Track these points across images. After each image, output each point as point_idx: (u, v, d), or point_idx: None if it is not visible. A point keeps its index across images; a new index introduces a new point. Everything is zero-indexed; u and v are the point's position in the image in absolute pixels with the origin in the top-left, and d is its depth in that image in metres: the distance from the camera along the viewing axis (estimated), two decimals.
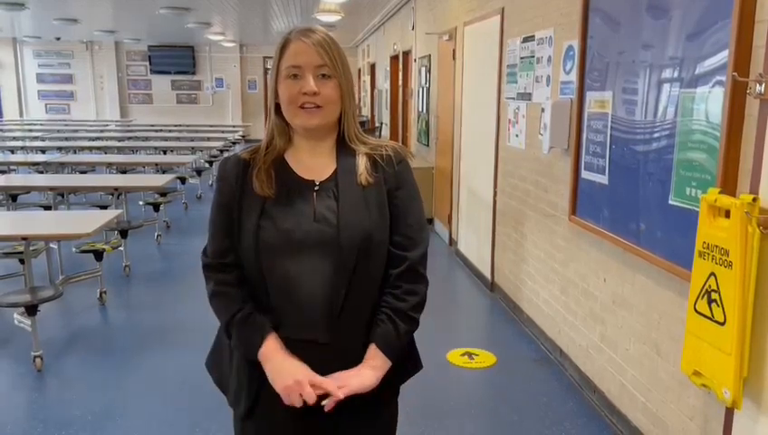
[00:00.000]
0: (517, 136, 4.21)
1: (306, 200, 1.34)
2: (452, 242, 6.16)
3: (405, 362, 1.46)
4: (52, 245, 4.89)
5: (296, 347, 1.32)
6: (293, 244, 1.30)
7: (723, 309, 1.90)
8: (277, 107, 1.37)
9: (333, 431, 1.38)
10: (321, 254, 1.30)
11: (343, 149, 1.39)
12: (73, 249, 4.60)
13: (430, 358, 3.65)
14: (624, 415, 2.79)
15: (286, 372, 1.30)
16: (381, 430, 1.47)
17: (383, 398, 1.40)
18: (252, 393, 1.36)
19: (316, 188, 1.36)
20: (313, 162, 1.38)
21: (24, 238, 3.55)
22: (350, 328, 1.34)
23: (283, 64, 1.32)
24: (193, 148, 9.83)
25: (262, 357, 1.32)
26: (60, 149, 9.32)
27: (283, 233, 1.30)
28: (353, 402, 1.31)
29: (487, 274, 4.91)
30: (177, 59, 17.02)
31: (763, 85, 1.80)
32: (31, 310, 3.34)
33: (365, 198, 1.34)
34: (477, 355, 3.65)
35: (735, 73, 1.93)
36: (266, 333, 1.32)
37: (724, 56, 2.03)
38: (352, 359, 1.34)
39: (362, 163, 1.36)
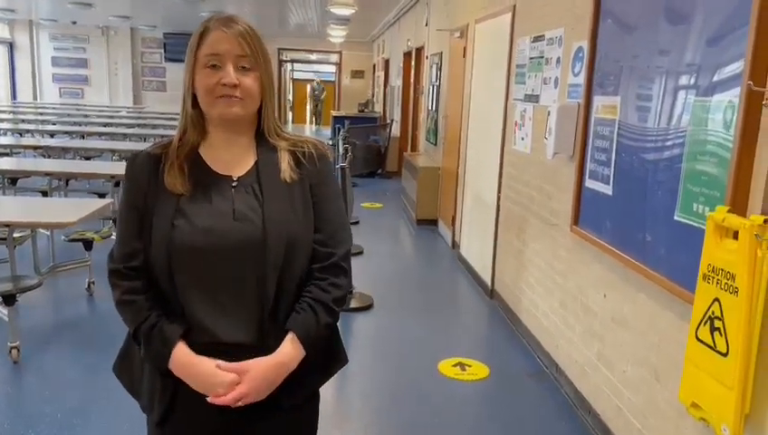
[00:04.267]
0: (523, 139, 4.05)
1: (224, 197, 1.28)
2: (454, 245, 6.01)
3: (326, 362, 1.40)
4: (45, 232, 4.81)
5: (220, 351, 1.26)
6: (213, 244, 1.24)
7: (726, 339, 1.75)
8: (193, 98, 1.28)
9: None
10: (243, 254, 1.24)
11: (263, 143, 1.34)
12: (62, 238, 4.51)
13: (421, 366, 3.56)
14: None
15: (202, 379, 1.25)
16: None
17: (298, 400, 1.35)
18: (166, 398, 1.29)
19: (234, 183, 1.30)
20: (229, 156, 1.32)
21: (7, 225, 3.45)
22: (280, 328, 1.29)
23: (201, 52, 1.26)
24: None
25: (173, 368, 1.26)
26: (68, 133, 9.26)
27: (200, 232, 1.24)
28: (269, 406, 1.29)
29: (487, 280, 4.75)
30: None
31: None
32: (9, 299, 3.24)
33: (290, 195, 1.30)
34: (470, 366, 3.51)
35: (751, 82, 1.77)
36: (174, 343, 1.25)
37: (739, 65, 1.87)
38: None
39: (285, 159, 1.31)
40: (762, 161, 1.78)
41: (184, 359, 1.25)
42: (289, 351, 1.26)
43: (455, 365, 3.51)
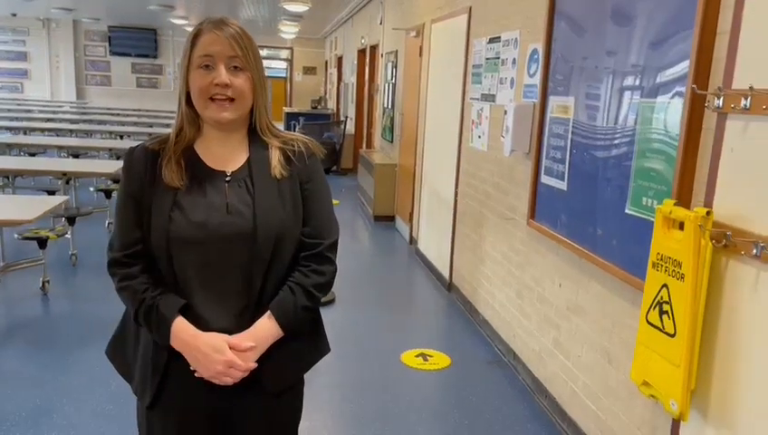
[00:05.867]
0: (480, 137, 4.19)
1: (218, 191, 1.34)
2: (412, 240, 6.14)
3: (309, 349, 1.48)
4: None
5: None
6: (206, 236, 1.30)
7: (673, 321, 1.90)
8: (188, 96, 1.35)
9: (238, 422, 1.40)
10: (235, 246, 1.31)
11: (255, 140, 1.40)
12: (15, 236, 4.39)
13: (384, 358, 3.66)
14: (574, 422, 2.79)
15: (208, 361, 1.29)
16: (281, 421, 1.47)
17: (283, 386, 1.42)
18: (155, 383, 1.35)
19: (227, 178, 1.36)
20: (224, 153, 1.39)
21: None
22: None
23: (195, 54, 1.32)
24: (151, 133, 9.52)
25: (175, 346, 1.31)
26: (9, 129, 8.93)
27: (195, 225, 1.30)
28: (255, 390, 1.35)
29: (446, 274, 4.89)
30: (138, 41, 16.54)
31: (722, 99, 1.79)
32: None
33: (279, 190, 1.36)
34: (432, 356, 3.63)
35: (695, 86, 1.92)
36: (171, 320, 1.30)
37: (684, 67, 2.03)
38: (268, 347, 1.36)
39: (275, 156, 1.38)
40: (704, 158, 1.95)
41: (183, 335, 1.30)
42: (263, 324, 1.33)
43: (417, 356, 3.62)
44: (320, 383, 3.27)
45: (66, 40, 16.20)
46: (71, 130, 9.39)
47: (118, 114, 12.68)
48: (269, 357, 1.35)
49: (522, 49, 3.49)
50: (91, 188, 6.72)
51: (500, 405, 3.14)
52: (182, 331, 1.30)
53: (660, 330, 1.96)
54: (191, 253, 1.30)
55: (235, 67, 1.31)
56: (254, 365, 1.32)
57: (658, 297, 1.98)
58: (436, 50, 5.39)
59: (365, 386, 3.28)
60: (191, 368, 1.32)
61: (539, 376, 3.20)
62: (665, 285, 1.95)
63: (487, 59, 4.05)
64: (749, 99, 1.69)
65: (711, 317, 1.84)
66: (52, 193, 5.51)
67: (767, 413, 1.66)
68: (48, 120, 10.81)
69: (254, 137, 1.40)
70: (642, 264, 2.09)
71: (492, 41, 3.97)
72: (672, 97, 2.11)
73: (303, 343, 1.45)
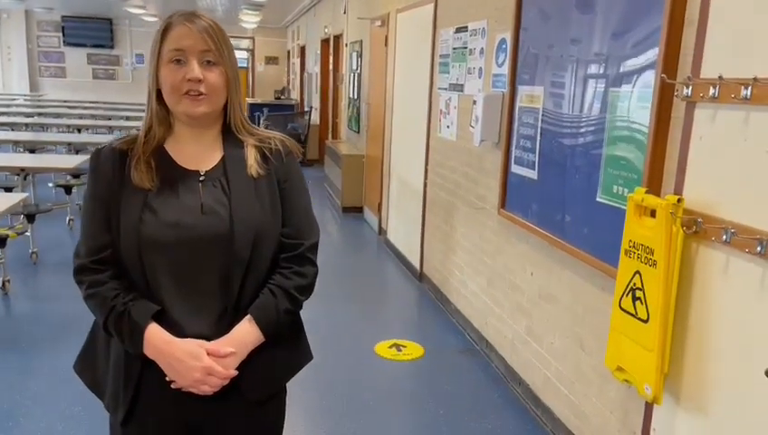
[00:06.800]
0: (448, 127, 4.19)
1: (192, 192, 1.29)
2: (381, 231, 6.13)
3: (290, 357, 1.43)
4: None
5: None
6: (179, 237, 1.25)
7: (646, 307, 1.94)
8: (158, 93, 1.28)
9: (218, 434, 1.35)
10: (211, 248, 1.26)
11: (230, 138, 1.35)
12: None
13: (358, 350, 3.65)
14: (548, 408, 2.84)
15: (184, 368, 1.24)
16: (263, 431, 1.43)
17: (263, 395, 1.38)
18: (129, 396, 1.29)
19: (201, 178, 1.31)
20: (196, 151, 1.33)
21: None
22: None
23: (165, 48, 1.25)
24: (110, 127, 9.31)
25: (149, 354, 1.25)
26: None
27: (168, 227, 1.25)
28: (234, 400, 1.31)
29: (416, 264, 4.90)
30: (93, 31, 16.04)
31: (691, 88, 1.82)
32: None
33: (256, 189, 1.31)
34: (405, 347, 3.63)
35: (664, 75, 1.95)
36: (144, 326, 1.24)
37: (653, 56, 2.06)
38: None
39: (251, 154, 1.33)
40: (674, 147, 1.98)
41: (157, 342, 1.24)
42: (244, 329, 1.28)
43: (390, 347, 3.62)
44: (294, 378, 3.24)
45: (18, 30, 15.62)
46: (26, 124, 9.08)
47: (75, 107, 12.32)
48: (249, 364, 1.30)
49: (490, 38, 3.49)
50: (50, 184, 6.52)
51: (474, 393, 3.17)
52: (156, 337, 1.23)
53: (633, 316, 2.00)
54: (164, 255, 1.24)
55: (208, 62, 1.25)
56: (234, 373, 1.27)
57: (631, 284, 2.01)
58: (402, 39, 5.37)
59: (340, 378, 3.27)
60: (167, 378, 1.26)
61: (512, 363, 3.23)
62: (637, 272, 1.98)
63: (455, 49, 4.05)
64: (717, 88, 1.72)
65: (683, 302, 1.89)
66: (9, 190, 5.33)
67: (737, 395, 1.71)
68: (1, 113, 10.43)
69: (229, 135, 1.34)
70: (613, 251, 2.12)
71: (459, 30, 3.97)
72: (641, 86, 2.14)
73: (285, 349, 1.39)
